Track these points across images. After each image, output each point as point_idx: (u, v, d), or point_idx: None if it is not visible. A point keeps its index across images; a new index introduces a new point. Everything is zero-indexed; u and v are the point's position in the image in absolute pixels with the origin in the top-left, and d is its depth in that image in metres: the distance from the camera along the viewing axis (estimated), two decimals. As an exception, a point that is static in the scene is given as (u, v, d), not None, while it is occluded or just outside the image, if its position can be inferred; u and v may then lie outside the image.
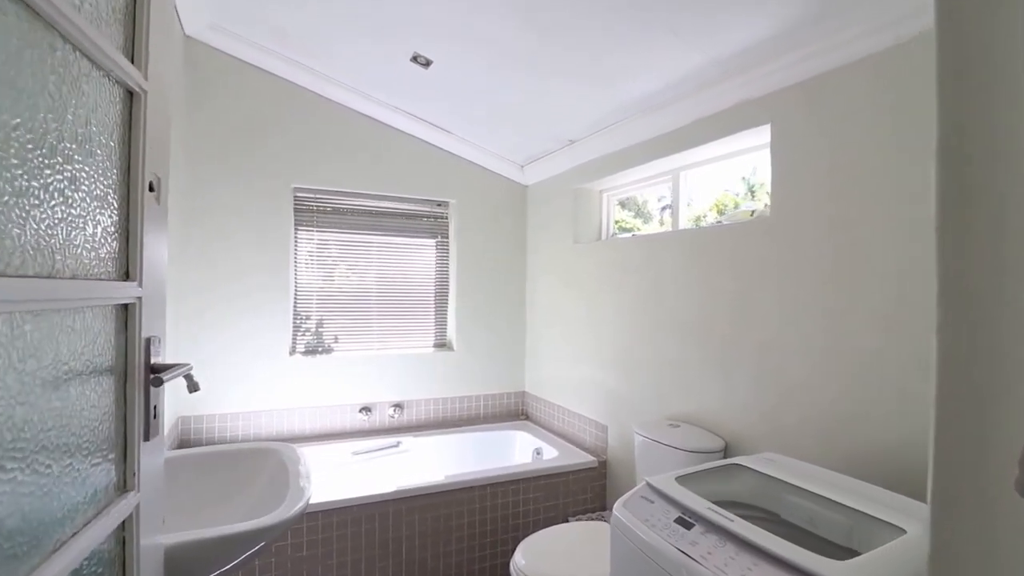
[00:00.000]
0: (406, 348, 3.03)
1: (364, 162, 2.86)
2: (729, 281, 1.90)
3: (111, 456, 0.72)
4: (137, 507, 0.77)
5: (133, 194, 0.76)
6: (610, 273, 2.53)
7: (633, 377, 2.36)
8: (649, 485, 1.32)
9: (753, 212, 1.93)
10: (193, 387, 1.16)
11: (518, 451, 2.97)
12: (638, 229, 2.93)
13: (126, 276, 0.75)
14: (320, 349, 2.84)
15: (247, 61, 2.59)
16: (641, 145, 2.34)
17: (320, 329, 2.85)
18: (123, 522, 0.75)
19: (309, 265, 2.83)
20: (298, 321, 2.80)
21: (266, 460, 1.37)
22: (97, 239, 0.68)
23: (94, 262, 0.67)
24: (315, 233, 2.83)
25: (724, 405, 1.91)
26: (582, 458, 2.51)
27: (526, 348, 3.31)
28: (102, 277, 0.69)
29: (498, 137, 2.94)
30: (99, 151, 0.68)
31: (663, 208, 2.76)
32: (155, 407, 0.81)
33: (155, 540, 0.83)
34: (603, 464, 2.53)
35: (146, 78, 0.78)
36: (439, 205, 3.12)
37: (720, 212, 2.28)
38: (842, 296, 1.53)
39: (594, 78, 2.12)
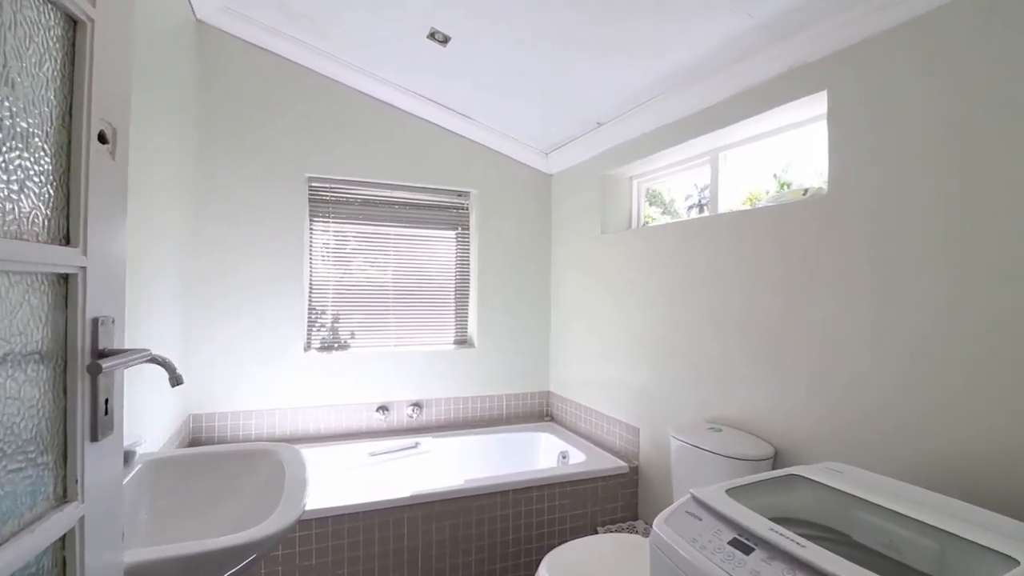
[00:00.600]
0: (425, 344, 2.90)
1: (382, 150, 2.74)
2: (777, 269, 1.70)
3: (44, 460, 0.59)
4: (81, 520, 0.63)
5: (76, 143, 0.63)
6: (641, 264, 2.34)
7: (667, 376, 2.16)
8: (695, 498, 1.14)
9: (806, 191, 1.72)
10: (175, 380, 1.03)
11: (543, 454, 2.80)
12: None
13: (66, 241, 0.62)
14: (336, 345, 2.73)
15: (259, 45, 2.49)
16: (675, 124, 2.15)
17: (336, 324, 2.74)
18: (63, 538, 0.61)
19: (325, 258, 2.72)
20: (313, 316, 2.69)
21: (261, 462, 1.24)
22: (16, 188, 0.54)
23: (12, 217, 0.54)
24: (331, 224, 2.72)
25: (772, 406, 1.71)
26: (612, 463, 2.33)
27: (551, 345, 3.14)
28: (26, 237, 0.56)
29: (521, 122, 2.78)
30: (21, 80, 0.55)
31: (690, 207, 2.57)
32: (107, 401, 0.67)
33: (110, 559, 0.69)
34: (634, 470, 2.34)
35: (93, 5, 0.65)
36: (459, 195, 2.99)
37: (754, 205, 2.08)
38: (911, 282, 1.32)
39: (624, 51, 1.94)
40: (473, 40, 2.14)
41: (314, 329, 2.70)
